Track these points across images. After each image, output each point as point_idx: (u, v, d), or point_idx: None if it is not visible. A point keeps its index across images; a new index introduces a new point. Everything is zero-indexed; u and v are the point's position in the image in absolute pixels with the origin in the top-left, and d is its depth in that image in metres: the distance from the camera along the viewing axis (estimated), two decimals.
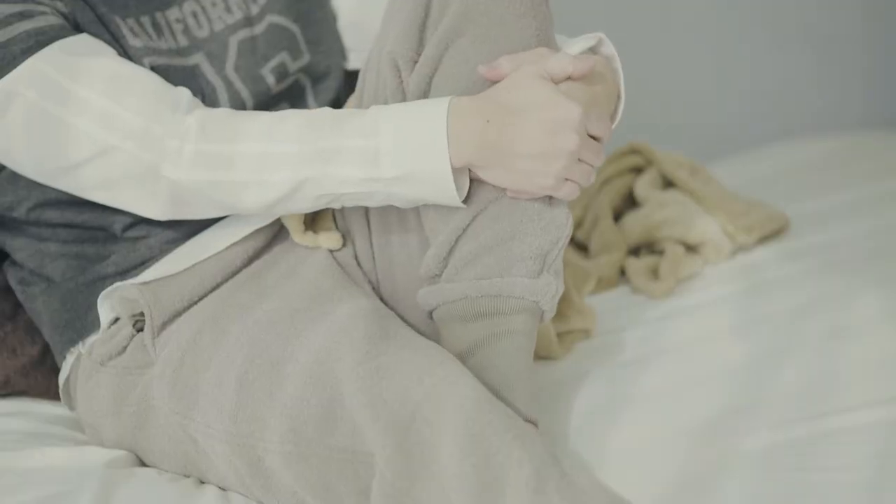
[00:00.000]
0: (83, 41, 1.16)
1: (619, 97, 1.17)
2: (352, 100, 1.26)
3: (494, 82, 1.09)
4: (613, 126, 1.18)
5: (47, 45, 1.13)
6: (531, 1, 1.10)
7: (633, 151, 1.71)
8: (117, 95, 1.13)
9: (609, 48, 1.18)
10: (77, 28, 1.18)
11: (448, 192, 1.08)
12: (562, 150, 1.06)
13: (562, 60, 1.08)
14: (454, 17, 1.10)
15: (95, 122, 1.12)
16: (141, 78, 1.15)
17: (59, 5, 1.18)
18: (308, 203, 1.12)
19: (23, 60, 1.12)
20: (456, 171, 1.07)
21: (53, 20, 1.16)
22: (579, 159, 1.07)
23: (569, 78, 1.09)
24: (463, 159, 1.07)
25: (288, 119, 1.12)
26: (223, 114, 1.15)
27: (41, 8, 1.16)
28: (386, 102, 1.16)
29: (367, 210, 1.23)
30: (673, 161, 1.68)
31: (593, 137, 1.09)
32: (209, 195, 1.13)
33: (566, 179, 1.08)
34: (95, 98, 1.13)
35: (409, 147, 1.07)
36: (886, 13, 2.33)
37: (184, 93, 1.16)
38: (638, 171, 1.71)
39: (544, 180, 1.07)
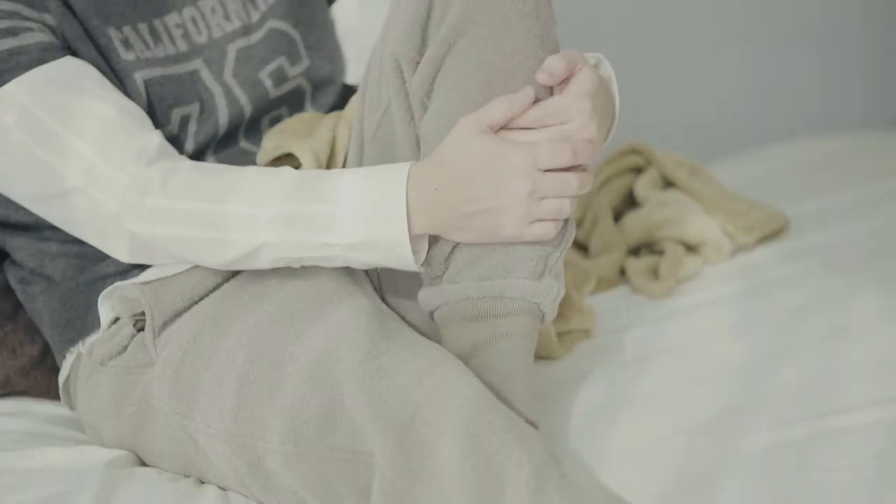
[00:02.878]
0: (66, 67, 1.17)
1: (612, 118, 1.17)
2: (354, 100, 1.26)
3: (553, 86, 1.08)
4: (601, 147, 1.16)
5: (28, 67, 1.14)
6: (534, 1, 1.10)
7: (633, 151, 1.71)
8: (89, 137, 1.14)
9: (607, 69, 1.17)
10: (65, 41, 1.19)
11: (406, 259, 1.08)
12: (513, 198, 1.05)
13: (498, 107, 1.06)
14: (456, 17, 1.10)
15: (65, 162, 1.14)
16: (115, 118, 1.16)
17: (48, 18, 1.18)
18: (266, 264, 1.13)
19: (1, 83, 1.13)
20: (413, 237, 1.08)
21: (40, 37, 1.16)
22: (543, 197, 1.06)
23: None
24: (420, 227, 1.08)
25: (251, 179, 1.13)
26: (187, 167, 1.15)
27: (27, 24, 1.16)
28: (389, 103, 1.16)
29: None
30: (673, 161, 1.68)
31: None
32: (167, 248, 1.15)
33: (533, 221, 1.07)
34: (67, 137, 1.14)
35: (368, 215, 1.08)
36: (887, 13, 2.33)
37: (153, 140, 1.17)
38: (638, 171, 1.71)
39: (506, 230, 1.07)
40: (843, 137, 2.11)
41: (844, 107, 2.36)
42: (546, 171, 1.06)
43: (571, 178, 1.06)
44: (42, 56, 1.15)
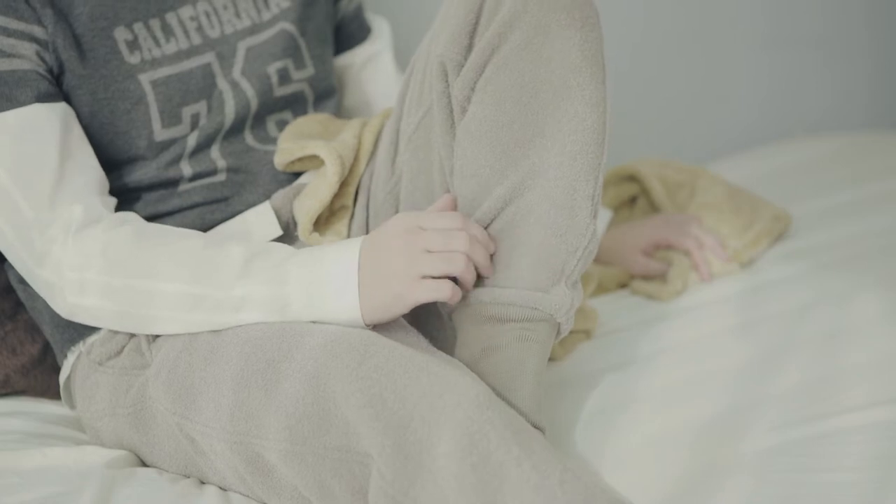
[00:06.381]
0: (27, 118, 1.17)
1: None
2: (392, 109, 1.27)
3: None
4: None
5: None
6: (580, 13, 1.09)
7: (631, 178, 1.66)
8: (24, 188, 1.15)
9: None
10: (55, 54, 1.19)
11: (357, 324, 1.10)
12: (398, 253, 1.08)
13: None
14: (500, 24, 1.10)
15: (3, 217, 1.16)
16: (53, 177, 1.16)
17: (37, 31, 1.18)
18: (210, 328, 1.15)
19: None
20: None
21: (17, 63, 1.17)
22: (428, 251, 1.07)
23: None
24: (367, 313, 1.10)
25: (198, 255, 1.13)
26: (129, 238, 1.15)
27: (10, 42, 1.16)
28: (431, 106, 1.17)
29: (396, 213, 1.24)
30: (671, 183, 1.63)
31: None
32: (110, 321, 1.17)
33: (423, 278, 1.08)
34: (12, 190, 1.15)
35: (320, 300, 1.09)
36: (891, 15, 2.33)
37: (91, 206, 1.17)
38: (636, 198, 1.67)
39: (394, 287, 1.07)
40: (844, 138, 2.11)
41: (848, 109, 2.35)
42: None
43: (459, 233, 1.08)
44: (12, 94, 1.16)
